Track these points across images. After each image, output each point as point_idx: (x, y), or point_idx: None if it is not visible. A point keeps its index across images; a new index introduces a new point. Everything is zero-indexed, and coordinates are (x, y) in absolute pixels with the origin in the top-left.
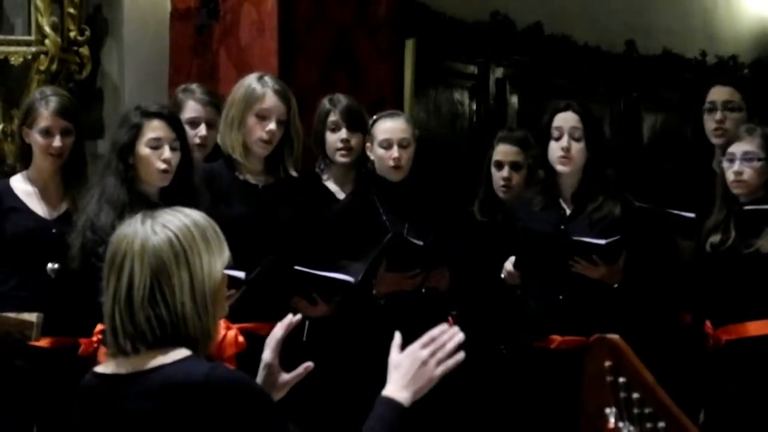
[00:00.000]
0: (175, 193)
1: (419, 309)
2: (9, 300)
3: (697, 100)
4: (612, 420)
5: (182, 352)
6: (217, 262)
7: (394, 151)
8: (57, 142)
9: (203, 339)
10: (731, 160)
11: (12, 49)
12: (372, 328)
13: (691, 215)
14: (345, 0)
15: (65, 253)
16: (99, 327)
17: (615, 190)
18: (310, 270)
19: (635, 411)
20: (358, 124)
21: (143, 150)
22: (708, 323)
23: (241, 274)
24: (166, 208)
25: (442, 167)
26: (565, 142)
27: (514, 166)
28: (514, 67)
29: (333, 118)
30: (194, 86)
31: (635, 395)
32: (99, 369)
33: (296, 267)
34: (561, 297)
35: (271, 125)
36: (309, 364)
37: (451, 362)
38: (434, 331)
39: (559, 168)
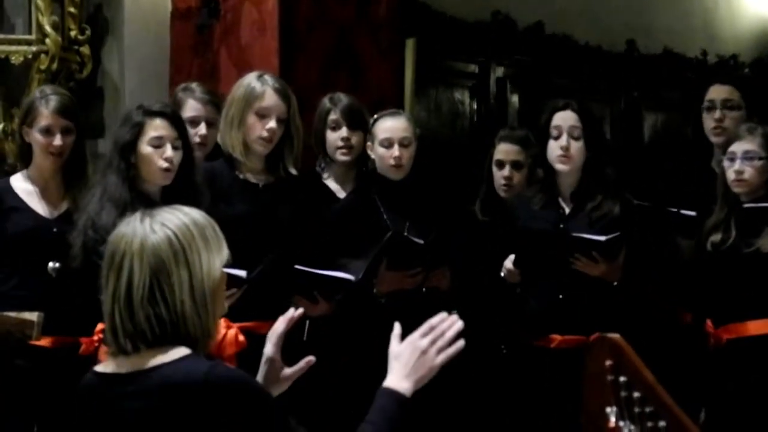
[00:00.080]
0: (177, 192)
1: (420, 308)
2: (9, 299)
3: (697, 99)
4: (613, 419)
5: (182, 351)
6: (216, 260)
7: (395, 150)
8: (57, 140)
9: (203, 337)
10: (732, 159)
11: (13, 48)
12: (373, 326)
13: (692, 213)
14: None
15: (66, 252)
16: (100, 326)
17: (614, 189)
18: (311, 269)
19: (636, 410)
20: (359, 123)
21: (145, 148)
22: (709, 322)
23: (242, 273)
24: (164, 206)
25: (443, 166)
26: (564, 141)
27: (516, 165)
28: (514, 67)
29: (333, 116)
30: (194, 85)
31: (636, 394)
32: (99, 368)
33: (297, 266)
34: (561, 296)
35: (271, 123)
36: (311, 358)
37: (451, 350)
38: (433, 320)
39: (559, 167)
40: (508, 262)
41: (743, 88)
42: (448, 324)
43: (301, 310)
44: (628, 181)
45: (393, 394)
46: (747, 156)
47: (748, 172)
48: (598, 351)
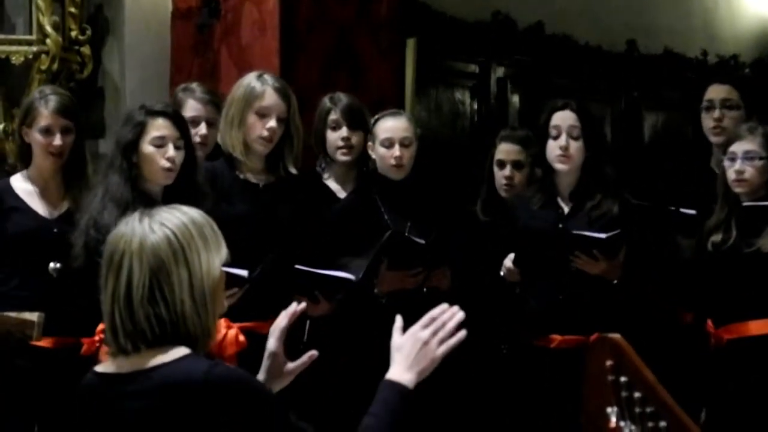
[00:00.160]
0: (179, 192)
1: (420, 308)
2: (10, 300)
3: (698, 99)
4: (613, 419)
5: (182, 351)
6: (215, 259)
7: (396, 150)
8: (57, 140)
9: (203, 337)
10: (732, 159)
11: (13, 48)
12: (373, 326)
13: (692, 212)
14: None
15: (67, 252)
16: (101, 326)
17: (613, 189)
18: (311, 268)
19: (637, 410)
20: (359, 123)
21: (147, 148)
22: (709, 322)
23: (243, 273)
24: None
25: (444, 167)
26: (563, 140)
27: (516, 165)
28: (515, 67)
29: (334, 116)
30: (194, 85)
31: (637, 394)
32: (99, 368)
33: (297, 266)
34: (561, 296)
35: (272, 123)
36: (313, 352)
37: (453, 341)
38: (434, 311)
39: (558, 167)
40: (508, 261)
41: (741, 88)
42: (449, 315)
43: (303, 305)
44: (627, 180)
45: (395, 386)
46: (748, 156)
47: (749, 172)
48: (598, 351)
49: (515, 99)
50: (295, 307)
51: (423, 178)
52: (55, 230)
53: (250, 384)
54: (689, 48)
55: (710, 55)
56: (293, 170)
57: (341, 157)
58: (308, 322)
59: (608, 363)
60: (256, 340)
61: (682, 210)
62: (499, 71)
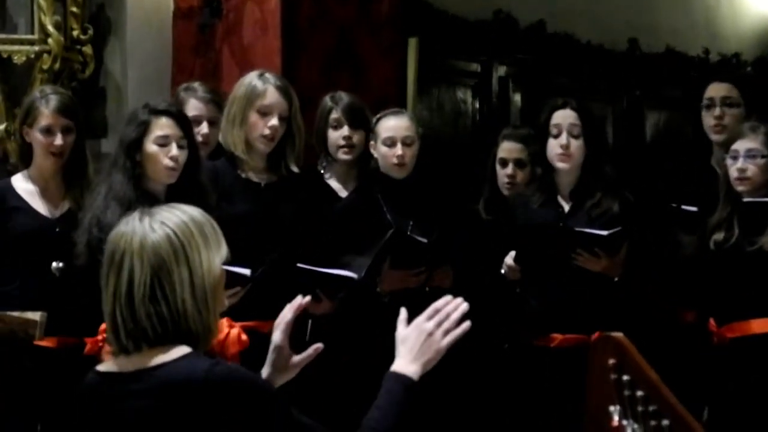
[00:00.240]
0: (182, 191)
1: (423, 307)
2: (12, 299)
3: (699, 98)
4: (616, 418)
5: (183, 350)
6: (215, 257)
7: (398, 149)
8: (58, 140)
9: (204, 335)
10: (735, 158)
11: (15, 48)
12: (376, 325)
13: (693, 209)
14: None
15: (69, 251)
16: (104, 326)
17: (614, 187)
18: (313, 267)
19: (639, 409)
20: (360, 122)
21: (151, 147)
22: (712, 321)
23: (246, 272)
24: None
25: (446, 165)
26: (563, 139)
27: (519, 164)
28: (516, 66)
29: (335, 115)
30: (196, 84)
31: (639, 393)
32: (101, 367)
33: (299, 264)
34: (561, 296)
35: (273, 121)
36: (319, 345)
37: (457, 331)
38: (438, 303)
39: (558, 165)
40: (509, 259)
41: (742, 85)
42: (453, 306)
43: (308, 298)
44: (628, 179)
45: (400, 377)
46: (750, 154)
47: (751, 170)
48: (601, 349)
49: (517, 98)
50: (300, 300)
51: (425, 177)
52: (57, 230)
53: (251, 382)
54: (691, 46)
55: (712, 54)
56: (295, 169)
57: (342, 156)
58: (310, 320)
59: (611, 361)
60: (259, 339)
61: (684, 207)
62: (501, 70)
